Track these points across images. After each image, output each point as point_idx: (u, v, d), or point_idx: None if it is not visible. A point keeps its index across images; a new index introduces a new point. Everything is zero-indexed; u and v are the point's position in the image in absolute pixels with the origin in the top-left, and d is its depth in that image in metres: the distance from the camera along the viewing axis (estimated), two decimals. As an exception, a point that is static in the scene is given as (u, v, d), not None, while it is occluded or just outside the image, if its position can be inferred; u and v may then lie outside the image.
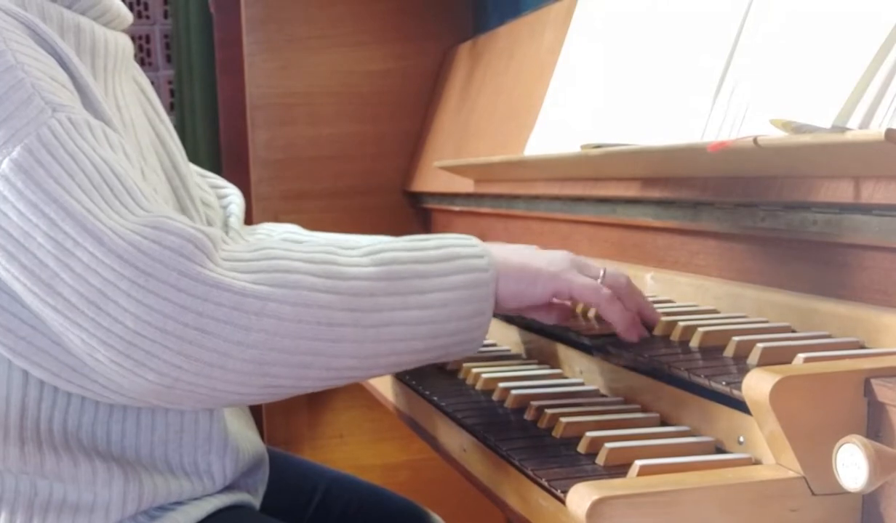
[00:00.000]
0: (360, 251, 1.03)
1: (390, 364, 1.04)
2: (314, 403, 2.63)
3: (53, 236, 0.95)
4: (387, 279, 1.01)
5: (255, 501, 1.26)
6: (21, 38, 1.04)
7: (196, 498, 1.16)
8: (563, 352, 1.37)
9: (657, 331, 1.17)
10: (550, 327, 1.33)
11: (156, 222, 0.97)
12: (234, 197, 1.45)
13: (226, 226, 1.41)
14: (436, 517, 1.49)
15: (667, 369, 1.06)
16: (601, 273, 1.12)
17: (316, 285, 0.98)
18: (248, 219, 2.76)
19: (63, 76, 1.06)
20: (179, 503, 1.15)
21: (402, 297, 1.01)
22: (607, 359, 1.25)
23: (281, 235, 1.42)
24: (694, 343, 1.10)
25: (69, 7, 1.13)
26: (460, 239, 1.08)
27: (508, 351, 1.52)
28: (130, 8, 3.81)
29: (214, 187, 1.44)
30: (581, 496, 0.83)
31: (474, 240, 1.08)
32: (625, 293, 1.13)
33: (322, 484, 1.46)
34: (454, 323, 1.03)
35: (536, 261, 1.10)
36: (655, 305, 1.28)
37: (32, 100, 0.99)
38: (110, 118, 1.09)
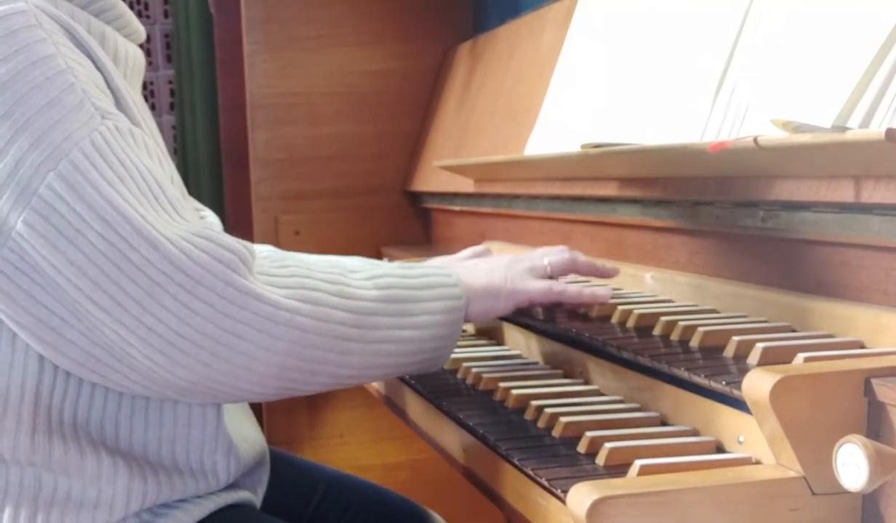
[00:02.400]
0: (362, 275, 1.15)
1: (380, 374, 1.17)
2: (314, 403, 2.63)
3: (107, 237, 1.00)
4: (387, 301, 1.14)
5: (256, 500, 1.26)
6: (65, 41, 1.07)
7: (199, 497, 1.16)
8: (564, 351, 1.37)
9: (657, 331, 1.17)
10: (551, 327, 1.33)
11: (205, 232, 1.04)
12: (212, 218, 1.48)
13: None
14: (436, 516, 1.49)
15: (667, 369, 1.06)
16: (547, 268, 1.30)
17: (334, 303, 1.09)
18: (248, 220, 2.76)
19: (102, 82, 1.10)
20: (182, 501, 1.15)
21: (397, 318, 1.14)
22: (607, 358, 1.25)
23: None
24: (694, 343, 1.10)
25: (97, 16, 1.17)
26: (438, 269, 1.23)
27: (508, 350, 1.52)
28: (130, 7, 3.81)
29: (195, 209, 1.47)
30: (581, 495, 0.83)
31: (449, 270, 1.23)
32: (573, 269, 1.33)
33: (322, 484, 1.46)
34: (434, 341, 1.17)
35: (496, 278, 1.26)
36: (655, 305, 1.29)
37: (84, 105, 1.04)
38: (140, 122, 1.13)
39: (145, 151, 1.08)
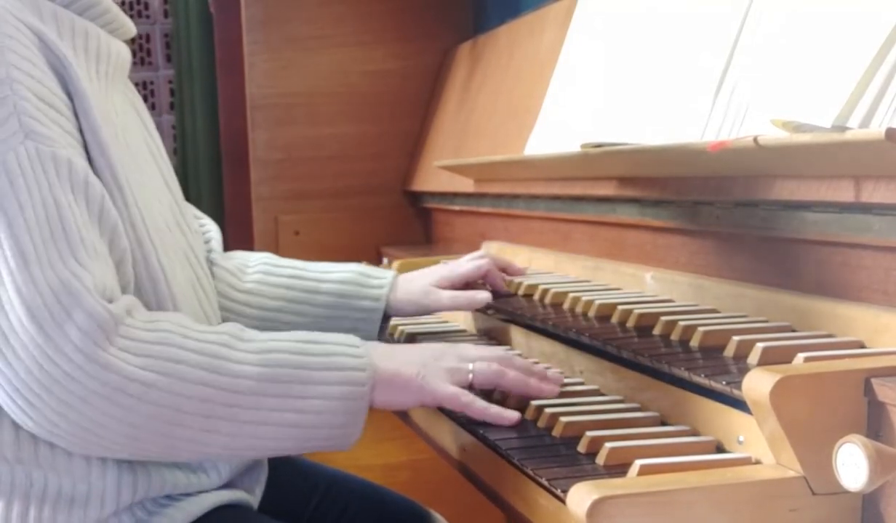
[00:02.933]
0: (251, 346, 1.08)
1: (257, 455, 1.13)
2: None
3: None
4: (270, 381, 1.06)
5: (253, 501, 1.26)
6: (24, 49, 1.06)
7: (192, 494, 1.16)
8: (564, 352, 1.37)
9: (657, 331, 1.17)
10: (551, 327, 1.33)
11: (74, 288, 1.01)
12: (210, 226, 1.50)
13: (209, 252, 1.44)
14: (437, 515, 1.49)
15: (667, 369, 1.06)
16: (469, 376, 1.16)
17: (200, 378, 1.04)
18: (248, 220, 2.77)
19: (56, 92, 1.08)
20: (176, 498, 1.15)
21: (281, 399, 1.07)
22: (607, 358, 1.25)
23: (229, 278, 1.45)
24: (694, 343, 1.10)
25: (80, 14, 1.17)
26: (348, 347, 1.12)
27: (508, 350, 1.52)
28: (130, 7, 3.81)
29: (195, 217, 1.47)
30: (581, 495, 0.83)
31: (361, 350, 1.12)
32: (498, 385, 1.18)
33: (322, 484, 1.46)
34: (326, 429, 1.09)
35: (408, 370, 1.14)
36: (655, 305, 1.28)
37: (9, 120, 1.03)
38: (100, 126, 1.11)
39: (67, 183, 1.05)
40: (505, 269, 1.60)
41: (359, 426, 1.11)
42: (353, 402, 1.09)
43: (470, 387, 1.17)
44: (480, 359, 1.18)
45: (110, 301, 1.04)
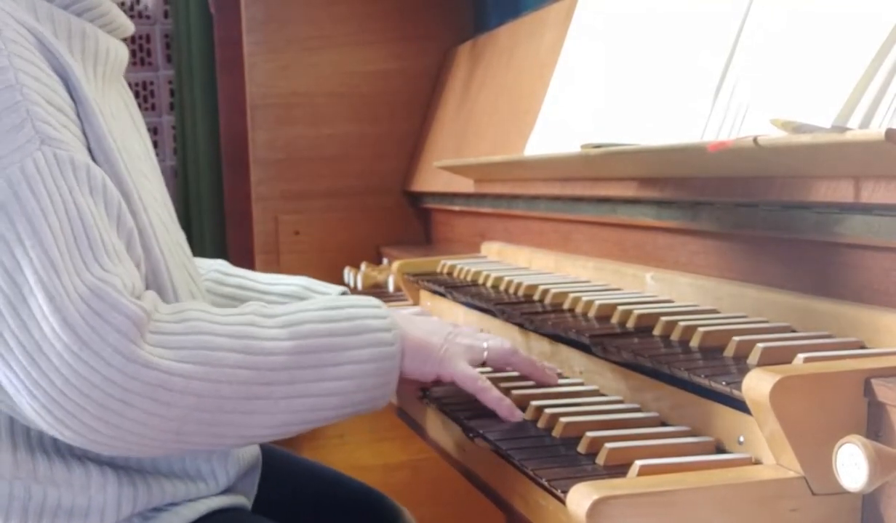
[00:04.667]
0: (278, 321, 1.08)
1: (300, 429, 1.10)
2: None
3: (12, 277, 0.98)
4: (303, 353, 1.07)
5: (248, 502, 1.26)
6: (28, 52, 1.05)
7: (191, 500, 1.16)
8: (564, 351, 1.37)
9: (657, 331, 1.17)
10: (550, 327, 1.33)
11: (103, 291, 0.99)
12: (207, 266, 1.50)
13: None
14: (406, 512, 1.48)
15: (667, 369, 1.06)
16: (484, 353, 1.21)
17: (237, 362, 1.03)
18: (248, 220, 2.77)
19: (62, 95, 1.07)
20: (173, 504, 1.15)
21: (316, 370, 1.07)
22: (607, 357, 1.25)
23: (208, 276, 1.45)
24: (694, 343, 1.10)
25: (79, 15, 1.16)
26: (371, 308, 1.13)
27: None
28: (131, 7, 3.81)
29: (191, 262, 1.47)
30: (581, 496, 0.83)
31: (384, 311, 1.14)
32: (509, 363, 1.23)
33: (314, 484, 1.45)
34: (361, 393, 1.09)
35: (435, 339, 1.17)
36: (655, 305, 1.28)
37: (24, 126, 1.01)
38: (105, 132, 1.10)
39: (86, 186, 1.04)
40: None
41: (391, 387, 1.12)
42: (384, 363, 1.10)
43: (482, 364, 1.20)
44: (490, 339, 1.21)
45: (139, 298, 1.03)
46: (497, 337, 1.26)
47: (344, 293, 1.45)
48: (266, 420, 1.05)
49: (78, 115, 1.09)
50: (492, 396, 1.17)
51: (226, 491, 1.20)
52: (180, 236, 1.29)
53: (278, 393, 1.05)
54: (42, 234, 0.99)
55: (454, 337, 1.19)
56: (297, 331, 1.08)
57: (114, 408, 0.98)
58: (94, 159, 1.09)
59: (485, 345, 1.21)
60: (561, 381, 1.31)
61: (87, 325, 0.97)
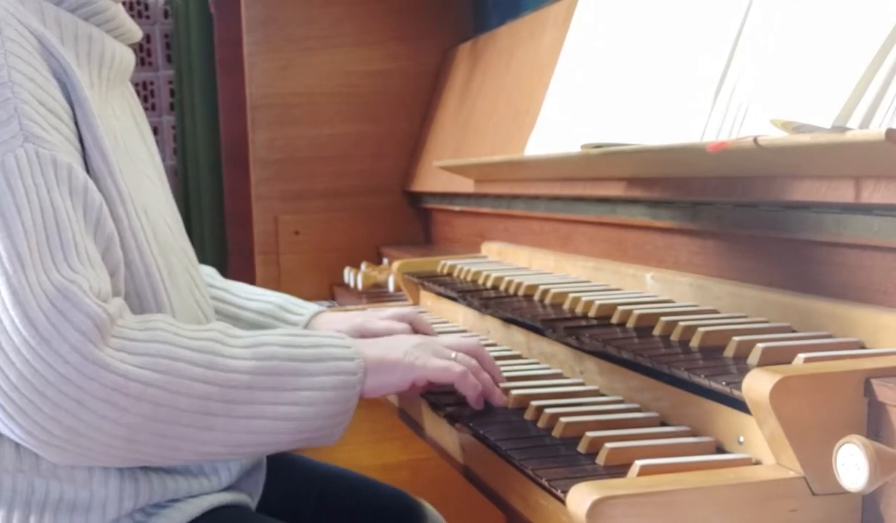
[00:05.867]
0: (242, 342, 1.09)
1: (254, 451, 1.11)
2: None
3: None
4: (265, 374, 1.07)
5: (252, 502, 1.26)
6: (25, 53, 1.06)
7: (194, 496, 1.16)
8: (564, 352, 1.37)
9: (657, 331, 1.17)
10: (550, 327, 1.33)
11: (69, 290, 0.99)
12: (207, 272, 1.49)
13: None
14: (431, 509, 1.49)
15: (667, 369, 1.06)
16: (452, 354, 1.21)
17: (197, 375, 1.03)
18: (248, 220, 2.76)
19: (57, 98, 1.08)
20: (175, 500, 1.15)
21: (276, 392, 1.07)
22: (607, 358, 1.25)
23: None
24: (694, 343, 1.10)
25: (86, 19, 1.17)
26: (336, 339, 1.14)
27: (509, 351, 1.52)
28: (131, 7, 3.81)
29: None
30: (581, 496, 0.83)
31: (348, 341, 1.15)
32: (476, 363, 1.22)
33: (319, 481, 1.46)
34: (319, 420, 1.09)
35: (394, 353, 1.17)
36: (655, 305, 1.29)
37: (10, 122, 1.02)
38: (102, 135, 1.10)
39: (66, 188, 1.04)
40: (423, 331, 1.49)
41: (348, 416, 1.12)
42: (344, 391, 1.10)
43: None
44: (458, 347, 1.22)
45: (105, 301, 1.03)
46: (466, 342, 1.25)
47: (320, 312, 1.45)
48: (223, 438, 1.05)
49: (75, 119, 1.09)
50: (468, 383, 1.18)
51: (228, 489, 1.20)
52: (185, 242, 1.29)
53: (237, 413, 1.05)
54: (13, 229, 1.00)
55: (419, 347, 1.20)
56: (260, 352, 1.08)
57: (67, 408, 0.98)
58: (89, 161, 1.09)
59: (453, 355, 1.20)
60: (561, 381, 1.31)
61: (48, 322, 0.98)
